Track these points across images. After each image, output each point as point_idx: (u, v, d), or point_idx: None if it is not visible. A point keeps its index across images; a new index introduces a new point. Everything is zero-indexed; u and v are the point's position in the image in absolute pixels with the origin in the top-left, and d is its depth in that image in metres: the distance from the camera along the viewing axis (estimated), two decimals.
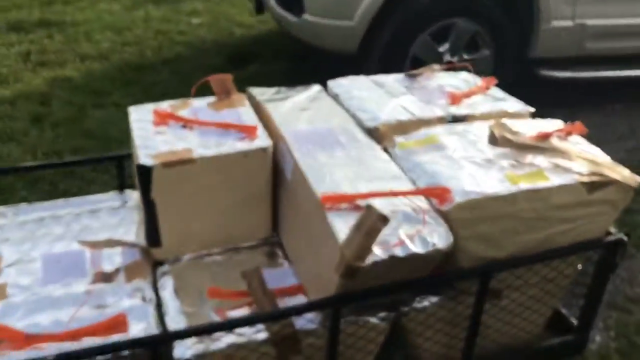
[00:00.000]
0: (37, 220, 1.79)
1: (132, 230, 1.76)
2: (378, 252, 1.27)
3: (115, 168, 1.97)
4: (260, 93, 1.90)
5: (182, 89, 4.59)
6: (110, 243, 1.68)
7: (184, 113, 1.75)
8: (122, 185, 1.95)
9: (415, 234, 1.32)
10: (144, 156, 1.55)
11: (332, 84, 1.95)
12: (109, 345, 1.27)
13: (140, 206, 1.86)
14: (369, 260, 1.25)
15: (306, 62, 4.65)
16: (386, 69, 3.49)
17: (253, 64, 4.68)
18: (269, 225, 1.74)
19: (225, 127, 1.67)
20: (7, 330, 1.40)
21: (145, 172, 1.52)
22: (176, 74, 4.54)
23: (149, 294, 1.55)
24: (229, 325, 1.34)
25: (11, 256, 1.64)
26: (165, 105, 1.79)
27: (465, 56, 3.68)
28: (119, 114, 3.96)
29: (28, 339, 1.39)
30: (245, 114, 1.74)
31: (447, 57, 3.66)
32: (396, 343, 1.59)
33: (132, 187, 1.93)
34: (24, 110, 3.98)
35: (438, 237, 1.34)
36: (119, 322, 1.44)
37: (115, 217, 1.82)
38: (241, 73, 4.57)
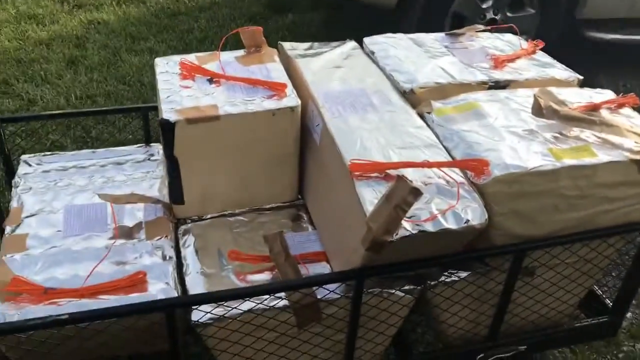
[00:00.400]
0: (60, 170, 1.77)
1: (155, 185, 1.72)
2: (407, 226, 1.19)
3: (141, 119, 1.92)
4: (291, 48, 1.80)
5: (219, 37, 4.51)
6: (132, 198, 1.64)
7: (211, 66, 1.67)
8: (147, 138, 1.91)
9: (448, 209, 1.24)
10: (167, 111, 1.49)
11: (368, 41, 1.84)
12: (124, 307, 1.24)
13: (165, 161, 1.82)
14: (397, 235, 1.18)
15: (344, 13, 4.49)
16: (426, 25, 3.35)
17: (290, 13, 4.54)
18: (294, 188, 1.68)
19: (254, 83, 1.60)
20: (26, 284, 1.38)
21: (169, 128, 1.47)
22: (213, 21, 4.44)
23: (170, 252, 1.51)
24: (249, 294, 1.30)
25: (33, 206, 1.62)
26: (192, 57, 1.71)
27: (509, 14, 3.50)
28: (153, 60, 3.91)
29: (46, 293, 1.37)
30: (275, 70, 1.66)
31: (490, 15, 3.49)
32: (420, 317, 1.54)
33: (159, 140, 1.89)
34: (59, 52, 3.96)
35: (472, 213, 1.26)
36: (138, 280, 1.41)
37: (139, 170, 1.79)
38: (278, 21, 4.45)
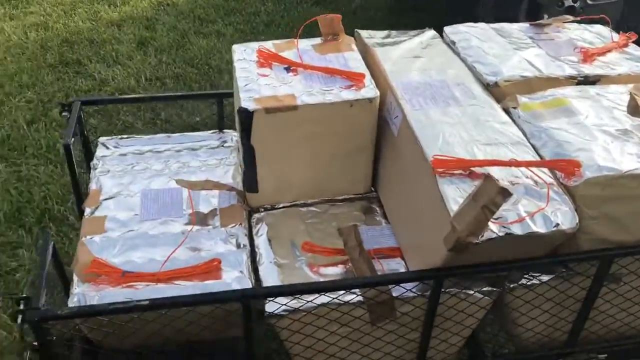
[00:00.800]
0: (137, 154, 1.79)
1: (229, 172, 1.72)
2: (494, 228, 1.15)
3: (215, 105, 1.92)
4: (369, 36, 1.76)
5: (285, 20, 4.49)
6: (208, 184, 1.65)
7: (288, 54, 1.65)
8: (221, 125, 1.91)
9: (536, 211, 1.19)
10: (246, 100, 1.48)
11: (449, 30, 1.78)
12: (202, 295, 1.24)
13: (238, 148, 1.82)
14: (483, 236, 1.14)
15: None
16: (501, 12, 3.24)
17: None
18: (368, 180, 1.65)
19: (331, 72, 1.57)
20: (106, 266, 1.41)
21: (247, 117, 1.46)
22: (279, 4, 4.44)
23: (243, 240, 1.51)
24: (326, 289, 1.28)
25: (111, 189, 1.65)
26: (269, 45, 1.69)
27: (590, 1, 3.33)
28: (221, 42, 3.94)
29: (124, 277, 1.39)
30: (353, 60, 1.63)
31: (569, 2, 3.33)
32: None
33: (231, 126, 1.89)
34: (130, 33, 4.04)
35: (562, 217, 1.20)
36: (213, 267, 1.42)
37: (213, 157, 1.79)
38: (345, 5, 4.41)
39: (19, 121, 3.12)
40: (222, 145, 1.85)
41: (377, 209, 1.62)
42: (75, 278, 1.39)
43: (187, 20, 4.21)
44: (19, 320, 1.17)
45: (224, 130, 1.91)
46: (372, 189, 1.68)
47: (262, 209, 1.63)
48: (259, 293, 1.32)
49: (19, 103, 3.28)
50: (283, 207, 1.63)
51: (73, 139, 1.65)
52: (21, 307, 1.18)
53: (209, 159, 1.79)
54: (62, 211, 2.57)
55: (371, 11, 4.35)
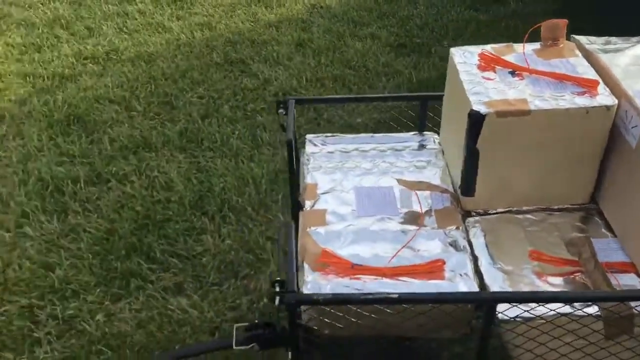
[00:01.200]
0: (344, 153, 1.84)
1: (437, 174, 1.73)
2: None
3: (418, 108, 1.94)
4: (588, 42, 1.71)
5: (438, 24, 4.46)
6: (422, 185, 1.67)
7: (509, 59, 1.64)
8: (422, 126, 1.92)
9: None
10: (476, 103, 1.48)
11: None
12: (448, 294, 1.26)
13: (442, 150, 1.83)
14: None
15: (569, 4, 4.21)
16: None
17: (513, 2, 4.38)
18: (589, 191, 1.60)
19: (561, 78, 1.54)
20: (335, 257, 1.46)
21: (477, 120, 1.46)
22: (432, 8, 4.42)
23: (463, 243, 1.52)
24: (573, 299, 1.26)
25: (326, 184, 1.70)
26: (488, 48, 1.69)
27: None
28: (376, 45, 3.98)
29: (353, 269, 1.44)
30: (580, 66, 1.58)
31: None
32: None
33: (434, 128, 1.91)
34: (287, 35, 4.17)
35: None
36: (436, 268, 1.44)
37: (419, 158, 1.81)
38: (500, 10, 4.32)
39: (194, 115, 3.31)
40: (424, 147, 1.87)
41: (600, 220, 1.57)
42: (305, 266, 1.45)
43: (342, 23, 4.29)
44: (277, 301, 1.24)
45: (424, 133, 1.93)
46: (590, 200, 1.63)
47: (475, 213, 1.63)
48: (517, 297, 1.30)
49: (192, 98, 3.48)
50: (497, 212, 1.62)
51: (291, 136, 1.72)
52: (277, 289, 1.25)
53: (414, 160, 1.81)
54: (240, 202, 2.70)
55: (528, 17, 4.23)
